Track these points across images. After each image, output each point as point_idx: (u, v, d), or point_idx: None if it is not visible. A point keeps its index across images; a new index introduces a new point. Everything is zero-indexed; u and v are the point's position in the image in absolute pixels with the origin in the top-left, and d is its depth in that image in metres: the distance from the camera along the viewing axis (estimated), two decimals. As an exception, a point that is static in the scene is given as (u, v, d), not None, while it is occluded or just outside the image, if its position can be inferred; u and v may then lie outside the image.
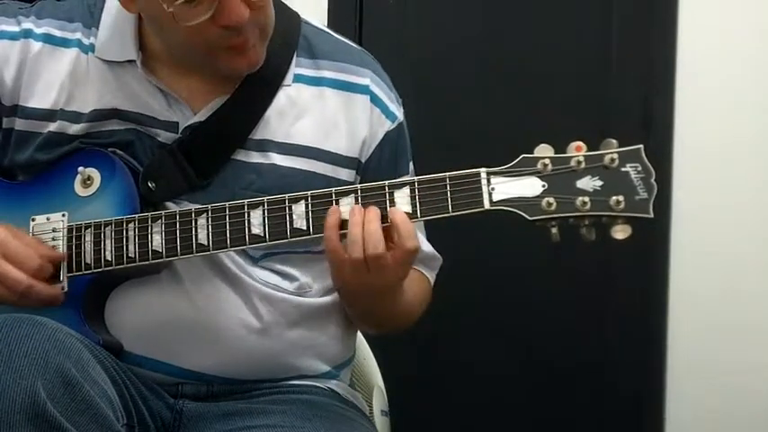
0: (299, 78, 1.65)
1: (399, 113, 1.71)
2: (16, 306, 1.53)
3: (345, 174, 1.65)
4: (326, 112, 1.65)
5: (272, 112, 1.63)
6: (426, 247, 1.74)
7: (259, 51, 1.57)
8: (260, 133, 1.62)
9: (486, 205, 1.43)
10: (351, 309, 1.68)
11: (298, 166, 1.62)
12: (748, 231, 2.73)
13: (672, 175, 2.74)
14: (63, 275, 1.57)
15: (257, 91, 1.62)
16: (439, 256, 1.77)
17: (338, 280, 1.57)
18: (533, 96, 2.85)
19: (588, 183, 1.41)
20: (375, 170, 1.66)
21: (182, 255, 1.53)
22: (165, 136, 1.61)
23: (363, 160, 1.67)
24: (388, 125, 1.69)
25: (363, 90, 1.67)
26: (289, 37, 1.66)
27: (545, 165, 1.42)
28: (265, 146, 1.62)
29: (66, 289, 1.56)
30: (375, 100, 1.68)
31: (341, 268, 1.50)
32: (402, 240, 1.45)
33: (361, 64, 1.69)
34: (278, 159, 1.62)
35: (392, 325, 1.71)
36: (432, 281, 1.77)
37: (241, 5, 1.48)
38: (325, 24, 1.76)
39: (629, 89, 2.81)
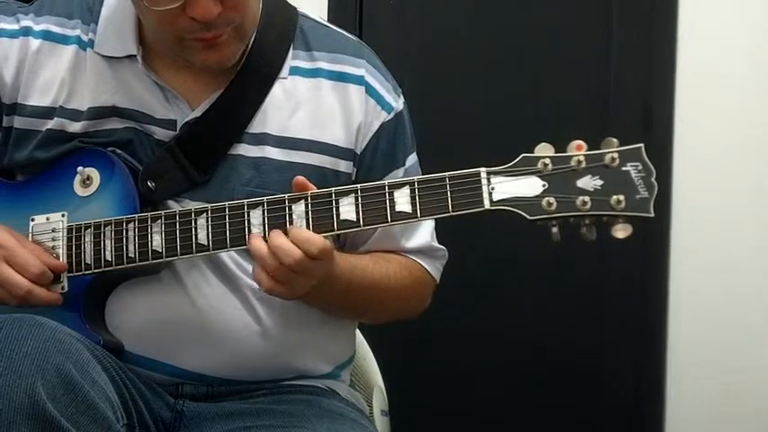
0: (295, 71, 1.65)
1: (397, 104, 1.70)
2: (16, 308, 1.53)
3: (344, 165, 1.65)
4: (323, 104, 1.64)
5: (268, 104, 1.62)
6: (424, 239, 1.72)
7: (233, 49, 1.56)
8: (257, 126, 1.62)
9: (487, 205, 1.43)
10: (330, 311, 1.69)
11: (297, 160, 1.62)
12: (748, 231, 2.73)
13: (672, 175, 2.74)
14: (63, 276, 1.56)
15: (253, 83, 1.62)
16: (442, 247, 1.76)
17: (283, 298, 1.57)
18: (533, 96, 2.85)
19: (589, 182, 1.40)
20: (371, 161, 1.66)
21: (181, 255, 1.53)
22: (162, 134, 1.61)
23: (359, 151, 1.66)
24: (384, 116, 1.67)
25: (358, 80, 1.66)
26: (285, 30, 1.66)
27: (545, 164, 1.41)
28: (263, 139, 1.62)
29: (66, 289, 1.56)
30: (370, 90, 1.67)
31: (278, 293, 1.50)
32: (309, 247, 1.44)
33: (355, 54, 1.68)
34: (276, 153, 1.61)
35: (373, 308, 1.70)
36: (433, 272, 1.74)
37: (211, 1, 1.47)
38: (325, 23, 1.77)
39: (629, 89, 2.81)
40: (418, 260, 1.72)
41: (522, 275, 2.86)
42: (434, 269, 1.75)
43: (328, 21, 1.78)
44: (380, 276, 1.66)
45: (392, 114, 1.69)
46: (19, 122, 1.63)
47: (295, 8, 1.70)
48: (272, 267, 1.45)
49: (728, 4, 2.76)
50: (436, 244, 1.74)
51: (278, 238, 1.46)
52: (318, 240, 1.45)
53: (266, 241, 1.47)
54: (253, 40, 1.61)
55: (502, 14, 2.88)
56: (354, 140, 1.65)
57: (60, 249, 1.58)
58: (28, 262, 1.53)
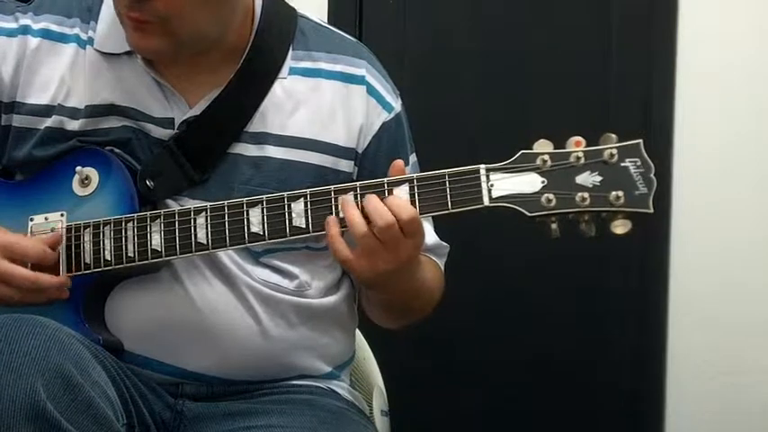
0: (294, 71, 1.65)
1: (396, 104, 1.71)
2: (22, 306, 1.52)
3: (345, 165, 1.65)
4: (323, 104, 1.65)
5: (268, 104, 1.62)
6: (432, 237, 1.73)
7: (157, 42, 1.53)
8: (256, 126, 1.62)
9: (486, 202, 1.43)
10: (380, 302, 1.68)
11: (296, 159, 1.62)
12: (748, 230, 2.74)
13: (672, 174, 2.75)
14: (62, 274, 1.56)
15: (252, 83, 1.62)
16: (445, 243, 1.77)
17: (361, 278, 1.55)
18: (533, 96, 2.85)
19: (587, 178, 1.41)
20: (372, 161, 1.66)
21: (181, 254, 1.53)
22: (160, 132, 1.61)
23: (360, 151, 1.66)
24: (384, 116, 1.68)
25: (359, 81, 1.67)
26: (284, 30, 1.66)
27: (544, 161, 1.42)
28: (262, 138, 1.62)
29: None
30: (371, 90, 1.68)
31: (358, 267, 1.49)
32: (400, 211, 1.44)
33: (356, 55, 1.69)
34: (276, 152, 1.61)
35: (418, 307, 1.70)
36: (442, 267, 1.76)
37: None
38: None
39: (629, 89, 2.81)
40: (433, 258, 1.73)
41: (522, 275, 2.86)
42: (443, 266, 1.76)
43: (328, 21, 1.79)
44: (431, 275, 1.67)
45: (392, 114, 1.70)
46: (18, 121, 1.63)
47: (294, 9, 1.71)
48: (362, 233, 1.44)
49: (728, 4, 2.76)
50: (440, 241, 1.76)
51: (373, 200, 1.45)
52: (411, 207, 1.45)
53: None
54: (252, 40, 1.62)
55: (501, 14, 2.89)
56: (356, 140, 1.66)
57: (59, 249, 1.57)
58: (27, 247, 1.53)
